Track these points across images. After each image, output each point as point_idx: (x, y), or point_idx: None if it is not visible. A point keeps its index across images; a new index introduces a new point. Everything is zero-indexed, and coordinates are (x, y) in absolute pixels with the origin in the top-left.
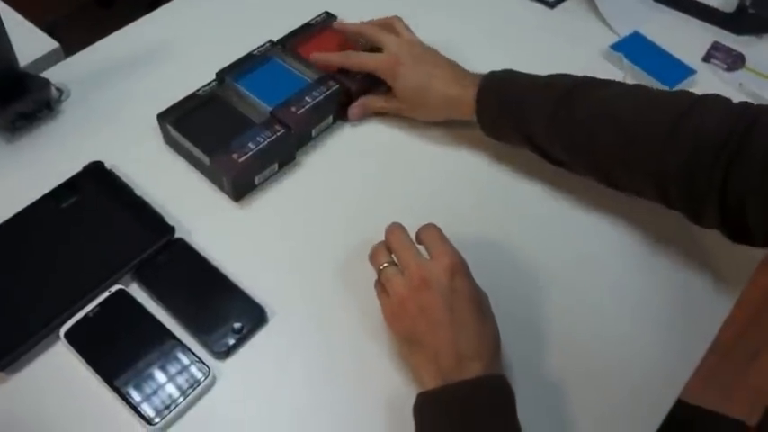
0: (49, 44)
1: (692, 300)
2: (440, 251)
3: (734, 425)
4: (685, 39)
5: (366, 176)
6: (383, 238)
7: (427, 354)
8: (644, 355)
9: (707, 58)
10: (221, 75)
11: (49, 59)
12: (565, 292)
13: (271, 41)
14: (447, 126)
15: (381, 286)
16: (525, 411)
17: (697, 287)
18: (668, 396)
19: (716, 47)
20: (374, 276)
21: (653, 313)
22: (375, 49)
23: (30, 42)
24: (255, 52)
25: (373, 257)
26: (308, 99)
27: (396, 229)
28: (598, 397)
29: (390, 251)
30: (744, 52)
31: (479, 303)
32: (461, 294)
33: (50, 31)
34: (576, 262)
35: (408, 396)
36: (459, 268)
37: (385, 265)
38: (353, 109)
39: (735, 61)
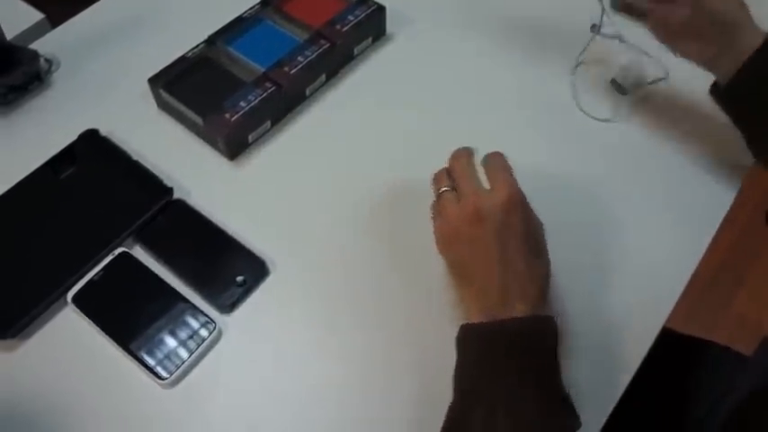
0: (34, 16)
1: (676, 227)
2: (500, 183)
3: (719, 350)
4: None
5: (359, 132)
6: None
7: (475, 287)
8: (629, 283)
9: None
10: (212, 39)
11: (36, 31)
12: (550, 220)
13: (260, 2)
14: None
15: (437, 210)
16: None
17: (681, 214)
18: (654, 324)
19: None
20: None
21: (636, 242)
22: None
23: (15, 14)
24: (245, 15)
25: (435, 181)
26: (300, 59)
27: (461, 155)
28: (585, 327)
29: (452, 177)
30: None
31: (532, 241)
32: (514, 232)
33: (35, 2)
34: (563, 186)
35: (407, 339)
36: (516, 203)
37: (444, 189)
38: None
39: None
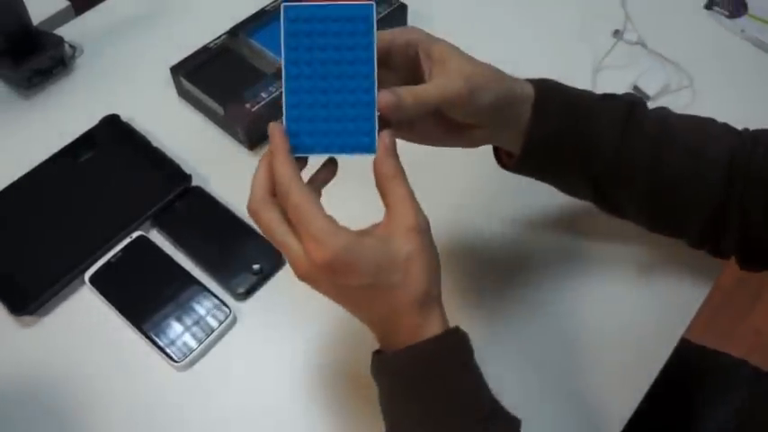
0: (59, 2)
1: None
2: (307, 238)
3: (736, 363)
4: None
5: None
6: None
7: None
8: (648, 297)
9: (709, 5)
10: (235, 30)
11: (60, 18)
12: (568, 239)
13: None
14: None
15: None
16: (538, 352)
17: None
18: (672, 337)
19: None
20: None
21: (656, 257)
22: None
23: (41, 1)
24: (268, 7)
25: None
26: None
27: (252, 216)
28: (604, 339)
29: None
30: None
31: (371, 289)
32: (341, 291)
33: None
34: (581, 208)
35: None
36: (329, 265)
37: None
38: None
39: (737, 8)
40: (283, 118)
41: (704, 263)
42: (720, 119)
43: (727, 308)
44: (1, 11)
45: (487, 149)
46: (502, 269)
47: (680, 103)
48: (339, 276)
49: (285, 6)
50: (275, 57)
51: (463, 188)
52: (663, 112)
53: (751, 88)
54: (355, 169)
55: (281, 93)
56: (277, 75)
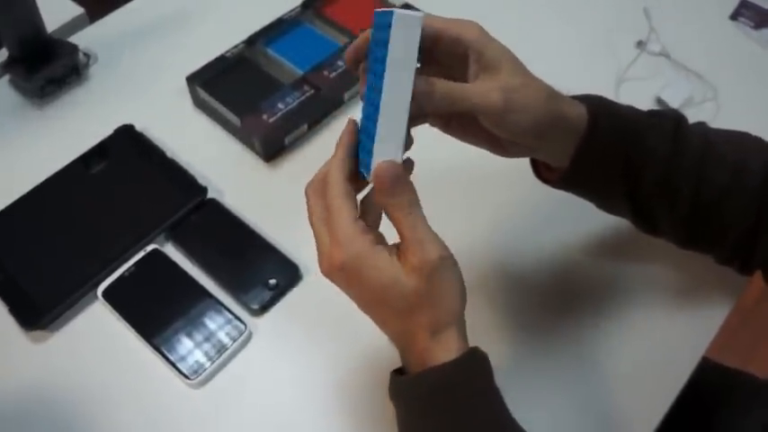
0: (74, 10)
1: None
2: (333, 236)
3: (758, 384)
4: None
5: None
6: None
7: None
8: (669, 317)
9: (735, 16)
10: (252, 40)
11: (75, 25)
12: (589, 258)
13: (301, 5)
14: None
15: None
16: (545, 381)
17: None
18: (693, 356)
19: (744, 4)
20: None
21: (676, 276)
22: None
23: (55, 8)
24: (285, 17)
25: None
26: (339, 63)
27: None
28: (623, 358)
29: None
30: None
31: (389, 303)
32: (355, 297)
33: None
34: (604, 222)
35: None
36: (340, 271)
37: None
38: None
39: (763, 19)
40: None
41: (725, 283)
42: (746, 131)
43: (747, 328)
44: (15, 18)
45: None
46: (520, 283)
47: (704, 116)
48: (350, 282)
49: (375, 12)
50: (292, 66)
51: (497, 204)
52: (703, 128)
53: None
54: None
55: (298, 104)
56: (295, 85)
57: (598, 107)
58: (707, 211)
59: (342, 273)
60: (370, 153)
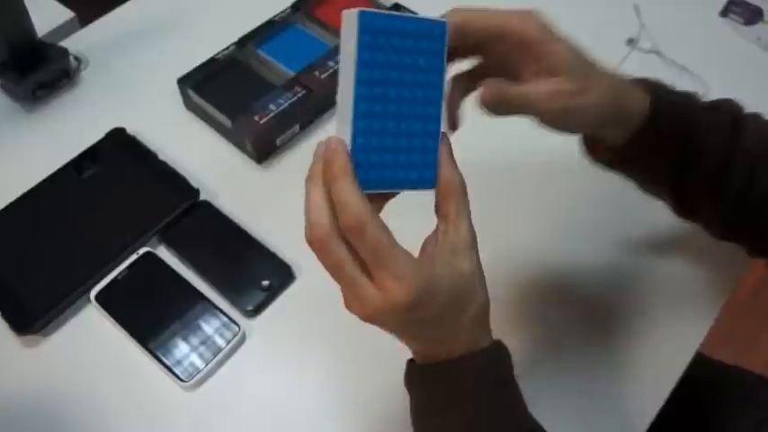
0: (64, 14)
1: (709, 257)
2: (387, 276)
3: (753, 378)
4: None
5: None
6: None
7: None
8: (663, 312)
9: (725, 13)
10: (243, 41)
11: (65, 29)
12: (585, 251)
13: (291, 6)
14: None
15: None
16: (545, 373)
17: (713, 246)
18: (686, 352)
19: (734, 1)
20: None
21: (670, 272)
22: None
23: (45, 12)
24: (276, 18)
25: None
26: (330, 63)
27: (319, 248)
28: (617, 353)
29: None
30: (762, 6)
31: (442, 324)
32: (411, 326)
33: (65, 0)
34: (597, 222)
35: None
36: (414, 303)
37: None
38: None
39: (753, 15)
40: (349, 144)
41: (718, 278)
42: None
43: (742, 323)
44: (5, 23)
45: None
46: (525, 277)
47: None
48: (418, 311)
49: (361, 13)
50: (283, 67)
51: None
52: (759, 122)
53: None
54: None
55: (290, 105)
56: (287, 86)
57: (659, 96)
58: (753, 207)
59: (408, 307)
60: (428, 165)
